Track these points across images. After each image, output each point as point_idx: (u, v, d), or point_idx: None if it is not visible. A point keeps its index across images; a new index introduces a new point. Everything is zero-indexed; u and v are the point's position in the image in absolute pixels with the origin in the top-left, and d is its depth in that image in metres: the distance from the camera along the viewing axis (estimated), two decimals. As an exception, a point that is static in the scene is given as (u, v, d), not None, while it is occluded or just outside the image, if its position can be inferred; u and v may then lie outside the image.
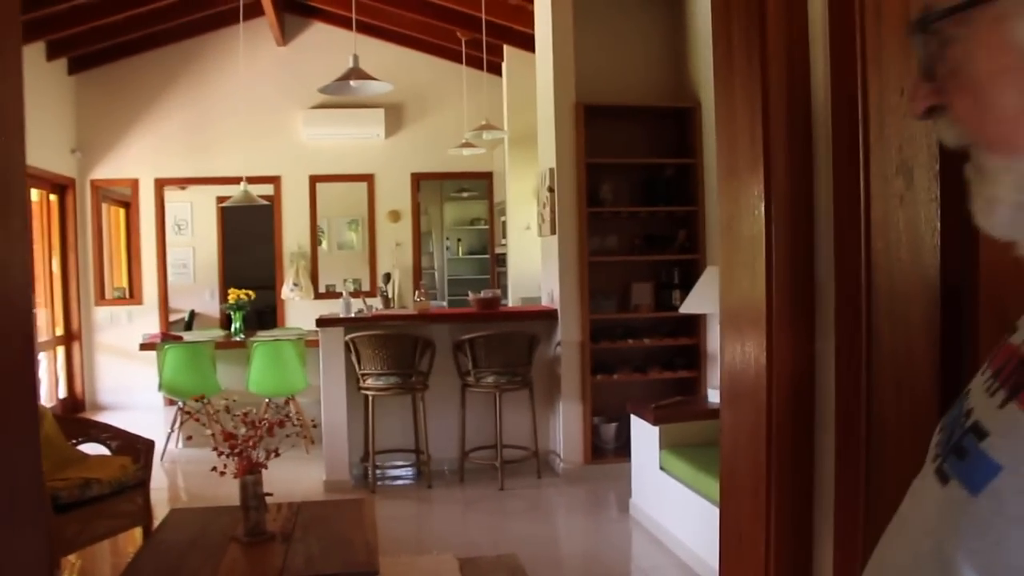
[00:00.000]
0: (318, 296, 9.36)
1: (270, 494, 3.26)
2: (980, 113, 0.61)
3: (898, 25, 1.58)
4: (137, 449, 4.36)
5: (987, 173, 0.62)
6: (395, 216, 9.58)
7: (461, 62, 8.68)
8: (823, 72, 1.86)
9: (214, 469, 3.15)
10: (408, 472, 5.96)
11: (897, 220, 1.56)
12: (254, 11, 8.13)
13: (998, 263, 1.47)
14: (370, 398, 5.55)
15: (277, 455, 3.24)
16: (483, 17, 7.40)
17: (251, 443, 3.23)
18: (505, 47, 8.41)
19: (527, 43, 7.43)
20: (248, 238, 10.59)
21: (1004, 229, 0.63)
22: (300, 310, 9.17)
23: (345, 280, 9.32)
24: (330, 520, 3.47)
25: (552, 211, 5.86)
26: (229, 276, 10.13)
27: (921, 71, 0.64)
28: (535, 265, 7.17)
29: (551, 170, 5.86)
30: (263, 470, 3.24)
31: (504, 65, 8.59)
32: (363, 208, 9.59)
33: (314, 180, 9.38)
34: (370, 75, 4.73)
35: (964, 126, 0.63)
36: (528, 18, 6.89)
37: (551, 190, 5.86)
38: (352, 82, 4.63)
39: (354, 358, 5.56)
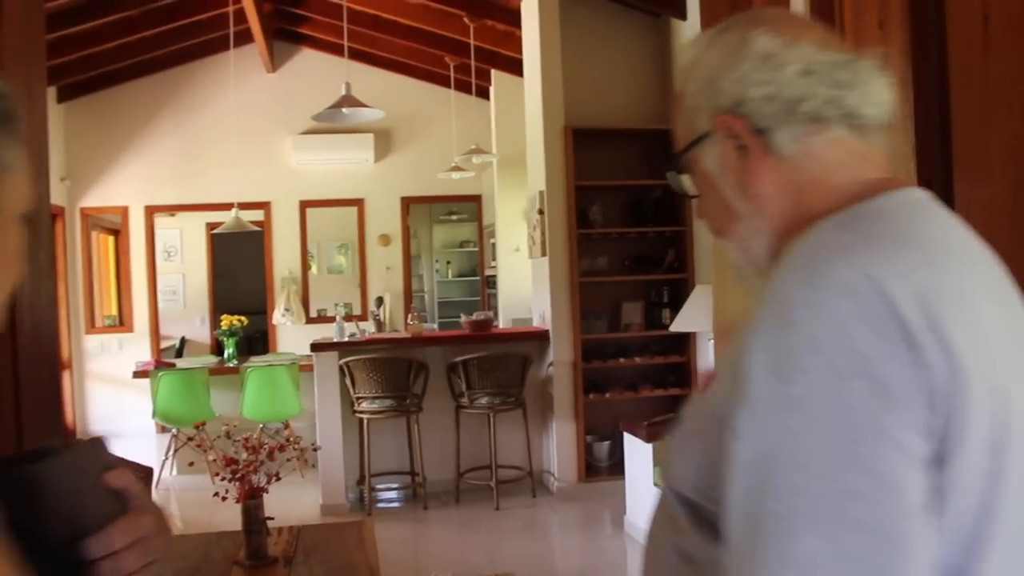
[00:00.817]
0: (309, 321, 9.41)
1: (271, 518, 3.31)
2: (705, 213, 0.98)
3: (876, 61, 1.68)
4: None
5: (723, 248, 0.98)
6: (385, 240, 9.66)
7: (449, 87, 8.80)
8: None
9: (216, 495, 3.20)
10: (404, 494, 6.01)
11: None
12: (244, 38, 8.23)
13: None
14: (365, 421, 5.61)
15: (278, 479, 3.29)
16: (471, 43, 7.53)
17: (252, 468, 3.28)
18: (493, 72, 8.54)
19: (515, 67, 7.56)
20: (238, 264, 10.64)
21: (737, 281, 1.00)
22: (291, 335, 9.22)
23: (336, 304, 9.38)
24: (331, 543, 3.52)
25: (542, 233, 5.95)
26: (219, 302, 10.18)
27: (678, 192, 1.02)
28: (525, 286, 7.26)
29: (541, 193, 5.96)
30: (265, 495, 3.29)
31: (492, 89, 8.71)
32: (353, 232, 9.67)
33: (304, 205, 9.45)
34: (362, 102, 4.82)
35: (707, 222, 0.99)
36: (516, 43, 7.02)
37: (541, 212, 5.96)
38: (345, 109, 4.72)
39: (348, 382, 5.61)
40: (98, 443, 0.78)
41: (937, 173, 1.63)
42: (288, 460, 3.52)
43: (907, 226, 0.81)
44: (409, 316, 6.41)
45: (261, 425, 6.76)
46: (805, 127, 0.86)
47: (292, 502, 5.73)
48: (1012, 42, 1.63)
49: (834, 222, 0.82)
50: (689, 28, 5.72)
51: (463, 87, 8.76)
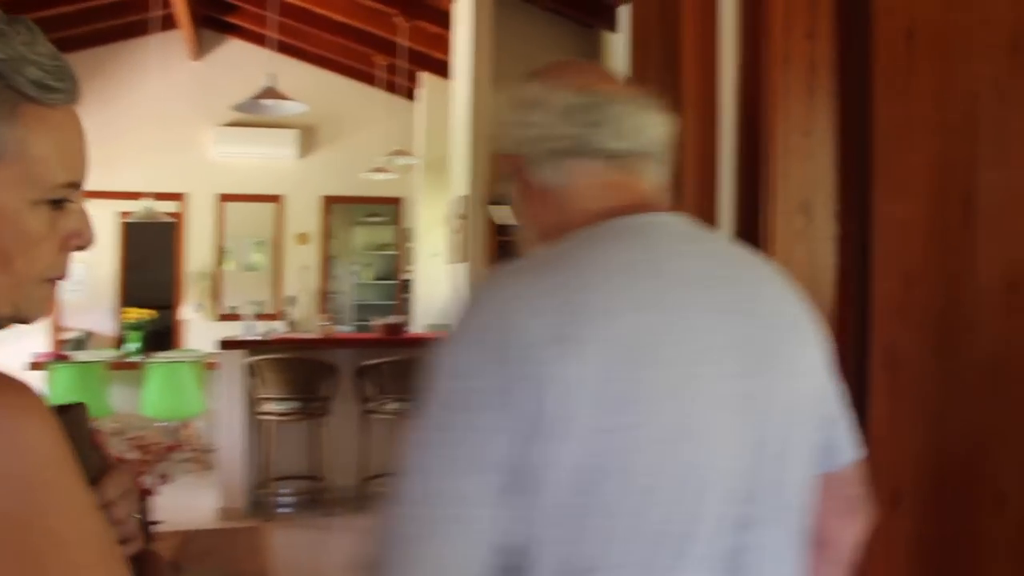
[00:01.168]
0: (222, 318, 9.12)
1: (160, 522, 3.14)
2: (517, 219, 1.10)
3: (804, 72, 1.65)
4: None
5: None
6: (303, 239, 9.44)
7: (377, 87, 8.66)
8: (730, 114, 1.92)
9: (100, 493, 3.01)
10: (306, 500, 5.82)
11: (798, 255, 1.62)
12: (168, 23, 7.95)
13: (890, 298, 1.54)
14: (269, 423, 5.42)
15: (169, 481, 3.13)
16: (402, 43, 7.42)
17: (143, 468, 3.11)
18: (422, 74, 8.43)
19: (444, 70, 7.48)
20: (149, 256, 10.25)
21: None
22: (200, 331, 8.91)
23: (249, 302, 9.11)
24: (223, 549, 3.36)
25: (463, 238, 5.87)
26: (128, 295, 9.79)
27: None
28: (442, 291, 7.16)
29: (464, 197, 5.88)
30: (154, 496, 3.12)
31: (420, 91, 8.60)
32: (271, 229, 9.42)
33: (222, 199, 9.17)
34: (285, 94, 4.67)
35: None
36: (447, 45, 6.94)
37: (463, 217, 5.87)
38: (267, 101, 4.57)
39: (254, 382, 5.42)
40: (83, 407, 0.86)
41: (857, 189, 1.61)
42: (183, 461, 3.35)
43: (587, 249, 0.92)
44: (321, 316, 6.24)
45: (160, 423, 6.49)
46: (563, 161, 0.99)
47: (189, 505, 5.50)
48: (935, 60, 1.61)
49: (553, 246, 0.96)
50: (619, 40, 5.72)
51: (392, 88, 8.63)
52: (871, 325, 1.48)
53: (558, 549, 0.82)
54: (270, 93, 4.56)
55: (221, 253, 9.27)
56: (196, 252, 9.19)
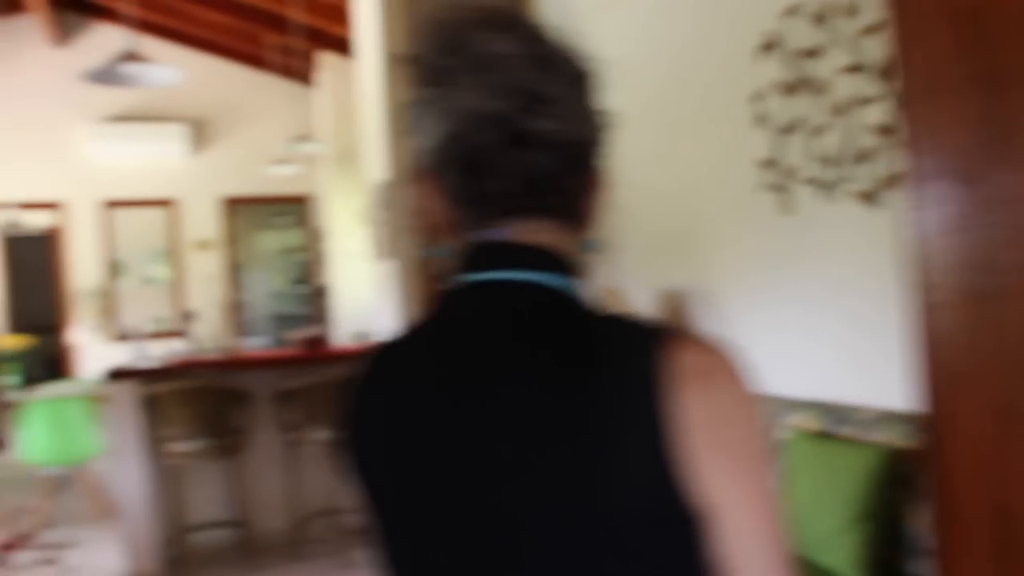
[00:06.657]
0: (120, 338, 7.83)
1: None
2: None
3: None
4: None
5: None
6: (204, 245, 8.22)
7: (270, 71, 7.52)
8: None
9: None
10: (230, 551, 4.73)
11: None
12: (18, 6, 6.62)
13: None
14: (176, 466, 4.34)
15: None
16: (294, 20, 6.29)
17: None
18: (321, 54, 7.33)
19: (345, 48, 6.41)
20: (26, 274, 8.82)
21: None
22: (97, 355, 7.62)
23: (151, 319, 7.86)
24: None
25: (389, 231, 4.86)
26: (3, 319, 8.41)
27: None
28: (365, 295, 6.13)
29: (385, 184, 4.87)
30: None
31: (320, 74, 7.49)
32: (167, 237, 8.18)
33: (108, 205, 7.88)
34: (147, 58, 3.58)
35: None
36: (346, 19, 5.87)
37: (385, 207, 4.87)
38: (127, 67, 3.46)
39: (154, 416, 4.32)
40: None
41: None
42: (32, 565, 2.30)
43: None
44: (230, 332, 5.14)
45: (44, 470, 5.28)
46: None
47: (94, 567, 4.40)
48: None
49: None
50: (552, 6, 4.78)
51: (287, 71, 7.48)
52: None
53: None
54: (130, 57, 3.46)
55: (114, 266, 7.99)
56: (83, 267, 7.89)
